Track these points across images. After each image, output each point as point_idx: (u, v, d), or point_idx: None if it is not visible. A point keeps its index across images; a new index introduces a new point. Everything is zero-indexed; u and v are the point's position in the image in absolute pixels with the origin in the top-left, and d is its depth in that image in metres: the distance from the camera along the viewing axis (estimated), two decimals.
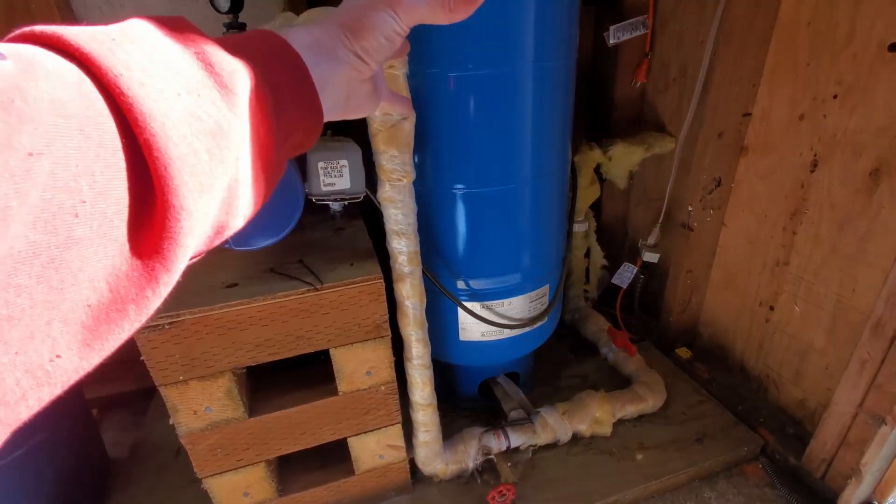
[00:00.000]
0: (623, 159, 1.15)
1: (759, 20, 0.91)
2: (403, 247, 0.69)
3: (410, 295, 0.73)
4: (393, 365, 0.77)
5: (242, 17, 0.85)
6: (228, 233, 0.23)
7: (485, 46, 0.70)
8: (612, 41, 1.08)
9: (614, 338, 1.18)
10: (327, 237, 0.83)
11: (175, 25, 0.21)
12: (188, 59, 0.20)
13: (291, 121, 0.25)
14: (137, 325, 0.18)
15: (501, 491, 0.88)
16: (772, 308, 1.02)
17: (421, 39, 0.69)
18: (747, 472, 0.97)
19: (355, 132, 0.86)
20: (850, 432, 0.83)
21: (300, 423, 0.77)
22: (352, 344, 0.73)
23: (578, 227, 1.22)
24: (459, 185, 0.80)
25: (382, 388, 0.78)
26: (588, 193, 1.19)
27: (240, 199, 0.22)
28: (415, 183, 0.68)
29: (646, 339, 1.28)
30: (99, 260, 0.16)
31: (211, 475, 0.75)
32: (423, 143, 0.75)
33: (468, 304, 0.89)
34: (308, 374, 0.81)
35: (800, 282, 0.95)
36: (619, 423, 1.01)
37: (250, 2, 0.87)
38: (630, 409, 1.01)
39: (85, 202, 0.15)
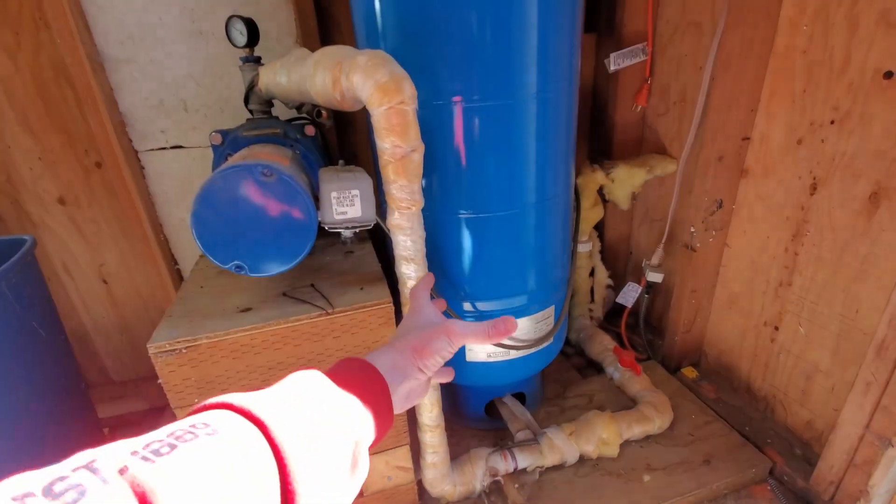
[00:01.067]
0: (625, 181, 1.17)
1: (755, 48, 0.94)
2: (412, 272, 0.71)
3: None
4: None
5: (258, 51, 0.89)
6: None
7: (490, 79, 0.73)
8: (612, 68, 1.12)
9: (620, 357, 1.19)
10: (337, 261, 0.85)
11: (316, 382, 0.32)
12: (325, 414, 0.30)
13: (375, 430, 0.34)
14: None
15: None
16: (776, 328, 1.03)
17: (429, 72, 0.73)
18: (756, 494, 0.96)
19: (365, 162, 0.89)
20: (858, 454, 0.83)
21: None
22: None
23: (582, 248, 1.24)
24: (465, 211, 0.82)
25: None
26: (591, 215, 1.21)
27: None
28: (422, 209, 0.70)
29: (651, 358, 1.28)
30: None
31: None
32: (430, 170, 0.78)
33: None
34: None
35: (803, 302, 0.96)
36: (625, 444, 1.01)
37: (265, 36, 0.92)
38: (637, 430, 1.01)
39: None
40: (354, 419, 0.31)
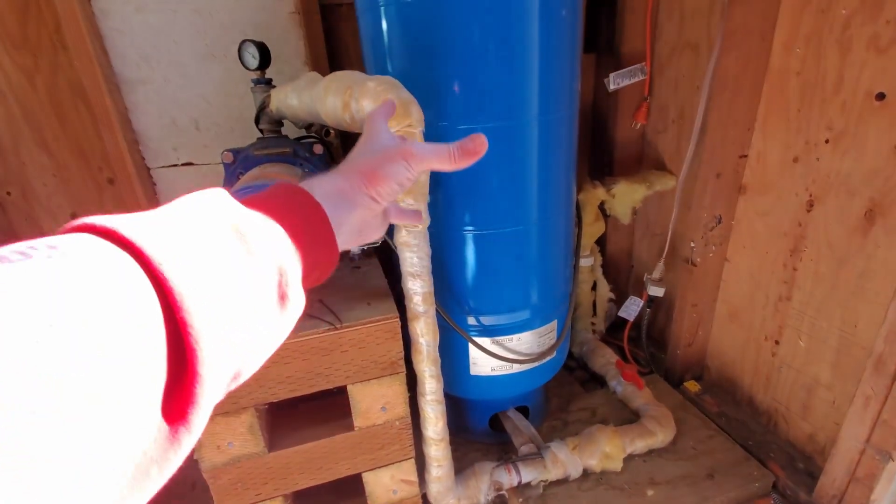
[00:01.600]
0: (626, 196, 1.19)
1: (750, 69, 0.96)
2: (418, 287, 0.73)
3: (424, 333, 0.76)
4: (407, 400, 0.80)
5: (269, 73, 0.92)
6: (245, 376, 0.25)
7: (493, 101, 0.76)
8: (612, 87, 1.15)
9: (622, 371, 1.20)
10: (345, 276, 0.87)
11: (215, 201, 0.26)
12: (225, 233, 0.24)
13: (310, 261, 0.29)
14: (159, 487, 0.19)
15: None
16: (777, 342, 1.04)
17: (434, 95, 0.75)
18: None
19: None
20: (859, 468, 0.83)
21: (317, 458, 0.79)
22: (368, 380, 0.76)
23: (584, 262, 1.26)
24: (470, 228, 0.84)
25: (397, 423, 0.81)
26: (593, 230, 1.23)
27: (256, 346, 0.25)
28: (428, 226, 0.72)
29: (654, 371, 1.29)
30: (139, 431, 0.18)
31: None
32: (436, 188, 0.80)
33: (479, 340, 0.92)
34: (323, 407, 0.84)
35: (803, 317, 0.97)
36: (629, 458, 1.02)
37: (276, 59, 0.95)
38: (640, 444, 1.02)
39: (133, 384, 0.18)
40: (274, 243, 0.26)
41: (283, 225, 0.27)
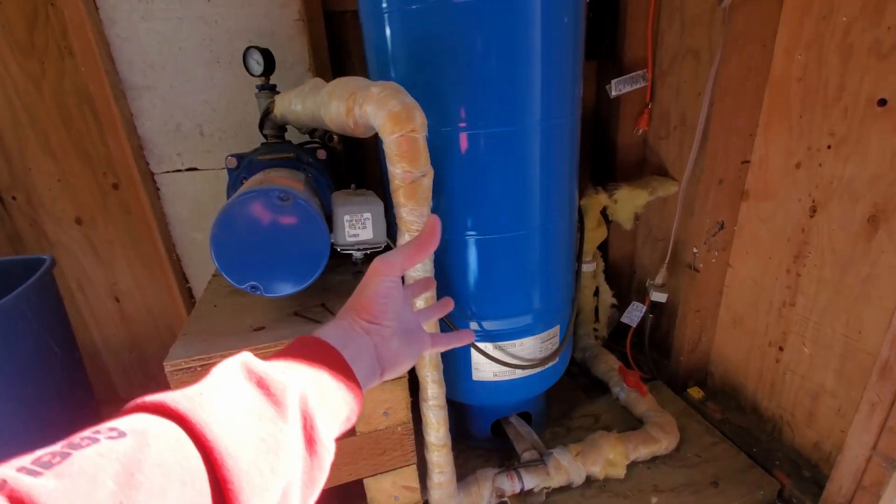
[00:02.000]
0: (628, 202, 1.19)
1: (752, 75, 0.97)
2: None
3: None
4: (409, 406, 0.80)
5: (273, 80, 0.93)
6: None
7: (495, 107, 0.76)
8: (613, 93, 1.15)
9: (625, 377, 1.19)
10: (347, 280, 0.87)
11: (242, 364, 0.28)
12: (251, 391, 0.27)
13: (337, 404, 0.32)
14: None
15: None
16: (781, 348, 1.04)
17: (437, 100, 0.76)
18: None
19: (373, 184, 0.92)
20: (865, 476, 0.82)
21: None
22: None
23: (587, 268, 1.26)
24: (472, 232, 0.85)
25: (399, 428, 0.80)
26: (595, 235, 1.23)
27: (293, 492, 0.27)
28: None
29: (657, 378, 1.28)
30: None
31: None
32: (439, 193, 0.80)
33: (481, 345, 0.92)
34: None
35: (807, 322, 0.97)
36: (632, 465, 1.01)
37: (280, 65, 0.96)
38: (643, 451, 1.01)
39: None
40: (296, 392, 0.28)
41: (305, 374, 0.30)
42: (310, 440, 0.28)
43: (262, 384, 0.27)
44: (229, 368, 0.28)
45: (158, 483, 0.20)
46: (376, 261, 0.38)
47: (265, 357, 0.30)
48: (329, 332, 0.35)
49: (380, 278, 0.38)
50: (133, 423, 0.22)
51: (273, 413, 0.26)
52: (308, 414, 0.28)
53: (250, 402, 0.26)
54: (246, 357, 0.29)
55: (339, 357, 0.33)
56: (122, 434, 0.20)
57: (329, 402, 0.31)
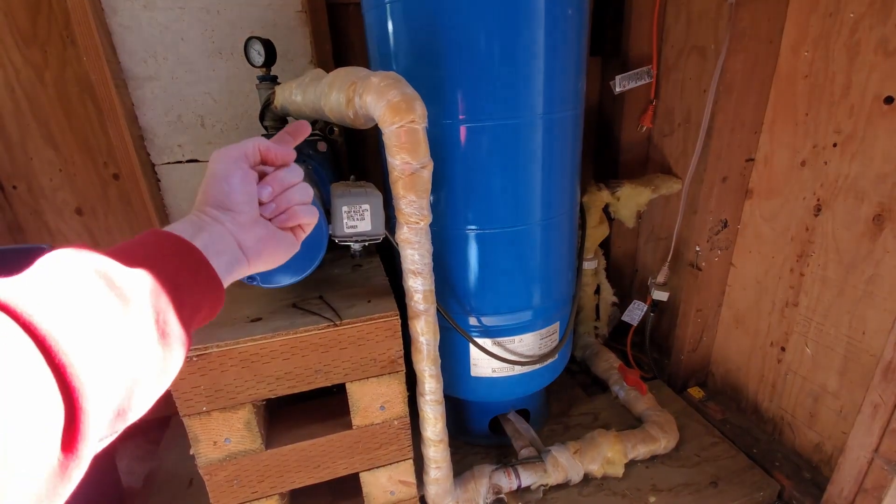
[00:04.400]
0: (631, 200, 1.18)
1: (757, 72, 0.96)
2: (419, 285, 0.72)
3: (425, 331, 0.76)
4: (406, 400, 0.79)
5: (274, 70, 0.92)
6: (131, 416, 0.27)
7: (497, 100, 0.75)
8: (618, 89, 1.14)
9: (625, 375, 1.18)
10: (346, 273, 0.87)
11: (79, 255, 0.27)
12: (95, 285, 0.25)
13: (193, 295, 0.31)
14: None
15: None
16: (783, 349, 1.03)
17: (439, 92, 0.75)
18: None
19: (374, 177, 0.92)
20: (867, 478, 0.81)
21: (314, 457, 0.78)
22: (367, 378, 0.75)
23: (588, 265, 1.25)
24: (472, 227, 0.84)
25: (395, 422, 0.80)
26: (597, 232, 1.22)
27: (140, 389, 0.27)
28: (430, 224, 0.72)
29: (657, 377, 1.28)
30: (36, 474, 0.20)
31: None
32: (439, 186, 0.80)
33: (480, 341, 0.91)
34: (321, 405, 0.83)
35: (809, 323, 0.96)
36: (630, 464, 1.00)
37: (281, 56, 0.95)
38: (642, 450, 1.01)
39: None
40: (143, 283, 0.27)
41: (152, 266, 0.29)
42: (163, 334, 0.27)
43: (107, 278, 0.26)
44: (72, 261, 0.26)
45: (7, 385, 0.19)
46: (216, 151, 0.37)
47: (110, 253, 0.29)
48: (177, 226, 0.33)
49: (216, 164, 0.36)
50: None
51: (119, 309, 0.25)
52: (159, 308, 0.28)
53: (94, 297, 0.25)
54: (89, 254, 0.27)
55: (190, 246, 0.32)
56: None
57: (184, 293, 0.30)
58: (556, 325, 0.98)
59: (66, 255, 0.26)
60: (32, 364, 0.21)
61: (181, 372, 0.66)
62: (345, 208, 0.66)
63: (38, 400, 0.20)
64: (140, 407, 0.27)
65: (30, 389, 0.20)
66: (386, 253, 0.98)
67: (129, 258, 0.28)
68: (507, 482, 0.94)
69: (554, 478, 0.95)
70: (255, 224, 0.37)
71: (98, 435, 0.23)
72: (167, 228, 0.33)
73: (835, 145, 0.87)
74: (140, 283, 0.27)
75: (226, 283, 0.34)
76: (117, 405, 0.25)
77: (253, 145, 0.37)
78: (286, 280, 0.69)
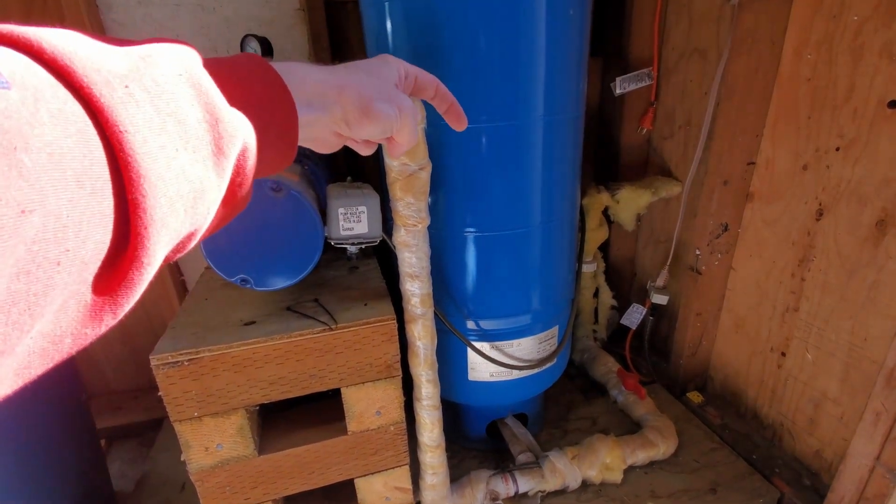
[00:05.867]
0: (630, 202, 1.17)
1: (759, 75, 0.95)
2: (416, 289, 0.71)
3: (422, 336, 0.75)
4: (403, 405, 0.78)
5: None
6: (187, 245, 0.23)
7: (497, 101, 0.74)
8: (618, 91, 1.13)
9: (624, 380, 1.17)
10: (342, 276, 0.85)
11: (191, 65, 0.22)
12: (197, 112, 0.21)
13: (267, 160, 0.27)
14: (64, 357, 0.18)
15: None
16: (783, 354, 1.02)
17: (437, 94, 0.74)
18: None
19: (371, 178, 0.91)
20: (868, 487, 0.80)
21: (309, 462, 0.77)
22: (363, 383, 0.74)
23: (587, 268, 1.24)
24: (471, 229, 0.83)
25: (391, 428, 0.79)
26: (596, 235, 1.21)
27: (198, 238, 0.23)
28: (428, 227, 0.71)
29: (656, 381, 1.27)
30: (67, 301, 0.16)
31: None
32: (437, 188, 0.78)
33: (477, 345, 0.90)
34: (316, 410, 0.82)
35: (810, 328, 0.95)
36: (629, 470, 0.99)
37: (279, 55, 0.94)
38: (641, 455, 1.00)
39: (69, 251, 0.15)
40: (206, 92, 0.22)
41: (255, 126, 0.24)
42: (233, 195, 0.24)
43: (210, 112, 0.21)
44: (180, 67, 0.21)
45: (46, 176, 0.14)
46: (403, 99, 0.35)
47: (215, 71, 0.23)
48: (306, 89, 0.29)
49: (385, 66, 0.35)
50: (24, 74, 0.15)
51: (211, 159, 0.21)
52: (243, 171, 0.24)
53: (191, 128, 0.20)
54: (199, 66, 0.22)
55: (295, 128, 0.28)
56: (5, 83, 0.14)
57: (262, 157, 0.26)
58: (555, 329, 0.97)
59: (184, 65, 0.21)
60: (100, 184, 0.16)
61: (171, 377, 0.65)
62: (341, 210, 0.65)
63: (96, 211, 0.16)
64: (191, 238, 0.23)
65: (90, 196, 0.16)
66: (383, 254, 0.97)
67: (233, 94, 0.23)
68: (504, 488, 0.92)
69: (552, 484, 0.94)
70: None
71: (145, 286, 0.20)
72: (289, 70, 0.28)
73: (837, 149, 0.86)
74: (238, 144, 0.23)
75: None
76: (169, 254, 0.21)
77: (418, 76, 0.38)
78: (281, 283, 0.67)
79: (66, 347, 0.17)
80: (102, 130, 0.17)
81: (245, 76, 0.25)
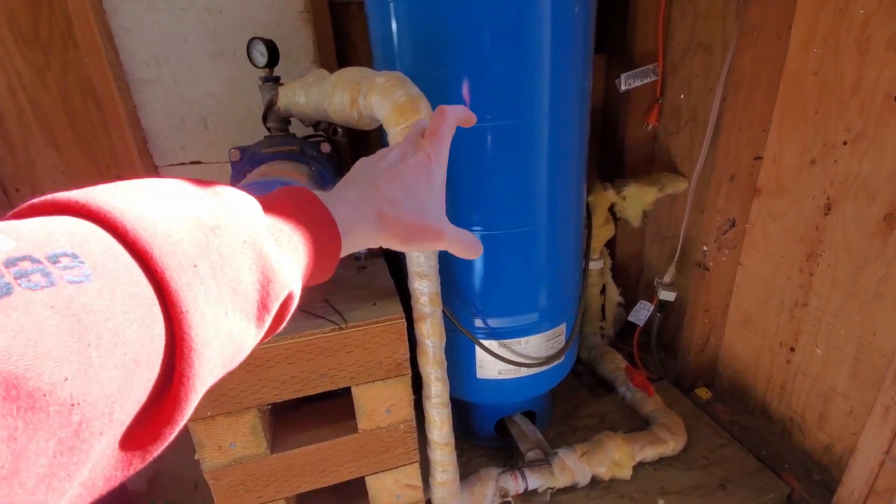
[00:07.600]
0: (637, 199, 1.17)
1: (766, 69, 0.94)
2: (425, 288, 0.72)
3: (431, 334, 0.75)
4: (412, 403, 0.79)
5: (277, 71, 0.92)
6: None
7: (502, 99, 0.75)
8: (623, 87, 1.13)
9: (632, 377, 1.17)
10: (350, 275, 0.86)
11: (256, 230, 0.22)
12: (252, 276, 0.21)
13: (310, 281, 0.27)
14: (95, 498, 0.18)
15: None
16: (792, 349, 1.02)
17: (443, 92, 0.74)
18: None
19: None
20: (878, 480, 0.80)
21: (320, 460, 0.78)
22: (373, 382, 0.75)
23: (594, 265, 1.24)
24: (478, 228, 0.83)
25: (401, 426, 0.79)
26: (603, 232, 1.21)
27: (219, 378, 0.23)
28: None
29: (664, 378, 1.27)
30: (101, 457, 0.17)
31: None
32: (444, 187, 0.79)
33: (486, 343, 0.90)
34: (327, 409, 0.83)
35: (819, 323, 0.95)
36: (638, 467, 0.99)
37: (284, 57, 0.95)
38: (650, 452, 1.00)
39: (112, 422, 0.16)
40: (265, 255, 0.22)
41: (305, 261, 0.25)
42: (267, 335, 0.24)
43: (265, 280, 0.22)
44: (245, 234, 0.21)
45: (110, 362, 0.15)
46: (444, 227, 0.33)
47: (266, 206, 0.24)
48: (343, 212, 0.28)
49: (435, 243, 0.33)
50: (101, 256, 0.16)
51: (254, 317, 0.21)
52: (283, 318, 0.24)
53: (242, 295, 0.21)
54: (263, 228, 0.22)
55: (337, 251, 0.27)
56: (86, 276, 0.15)
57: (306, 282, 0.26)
58: (563, 327, 0.97)
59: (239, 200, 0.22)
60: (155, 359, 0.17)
61: None
62: None
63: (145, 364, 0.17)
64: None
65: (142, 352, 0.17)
66: (390, 253, 0.98)
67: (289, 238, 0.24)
68: (513, 485, 0.93)
69: (561, 480, 0.94)
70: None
71: (180, 425, 0.20)
72: (332, 200, 0.28)
73: (845, 143, 0.85)
74: (283, 293, 0.23)
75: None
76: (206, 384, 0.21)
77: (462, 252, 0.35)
78: None
79: (98, 490, 0.18)
80: (166, 307, 0.18)
81: (305, 221, 0.26)
